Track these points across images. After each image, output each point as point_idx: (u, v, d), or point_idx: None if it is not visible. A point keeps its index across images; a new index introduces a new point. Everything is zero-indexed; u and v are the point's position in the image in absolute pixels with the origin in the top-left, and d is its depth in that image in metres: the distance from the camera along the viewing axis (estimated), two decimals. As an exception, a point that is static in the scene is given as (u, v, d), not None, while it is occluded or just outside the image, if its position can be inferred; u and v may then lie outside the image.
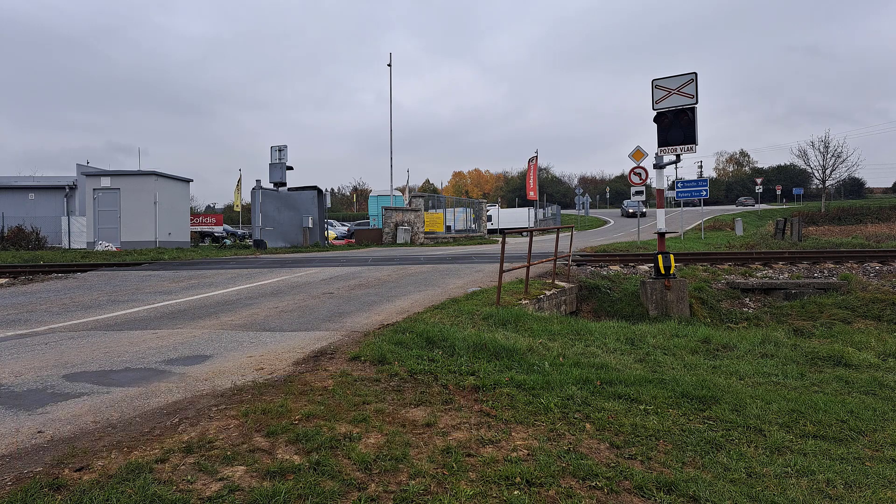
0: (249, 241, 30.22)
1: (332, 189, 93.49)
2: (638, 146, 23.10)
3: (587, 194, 63.13)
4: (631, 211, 58.06)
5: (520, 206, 59.77)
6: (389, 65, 33.11)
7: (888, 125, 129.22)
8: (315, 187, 27.96)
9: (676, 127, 10.97)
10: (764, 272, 14.11)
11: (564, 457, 3.34)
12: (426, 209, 31.98)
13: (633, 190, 24.63)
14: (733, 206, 74.81)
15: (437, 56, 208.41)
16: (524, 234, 32.14)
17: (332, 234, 34.27)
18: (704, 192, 28.75)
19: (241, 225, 48.69)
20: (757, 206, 68.14)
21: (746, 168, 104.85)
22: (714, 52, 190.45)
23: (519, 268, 10.07)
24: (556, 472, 3.13)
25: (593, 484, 3.06)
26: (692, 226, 41.09)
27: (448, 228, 34.70)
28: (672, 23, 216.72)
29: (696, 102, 10.83)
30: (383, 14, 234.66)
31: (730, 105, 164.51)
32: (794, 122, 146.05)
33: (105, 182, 24.47)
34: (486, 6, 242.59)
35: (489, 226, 44.10)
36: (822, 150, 53.81)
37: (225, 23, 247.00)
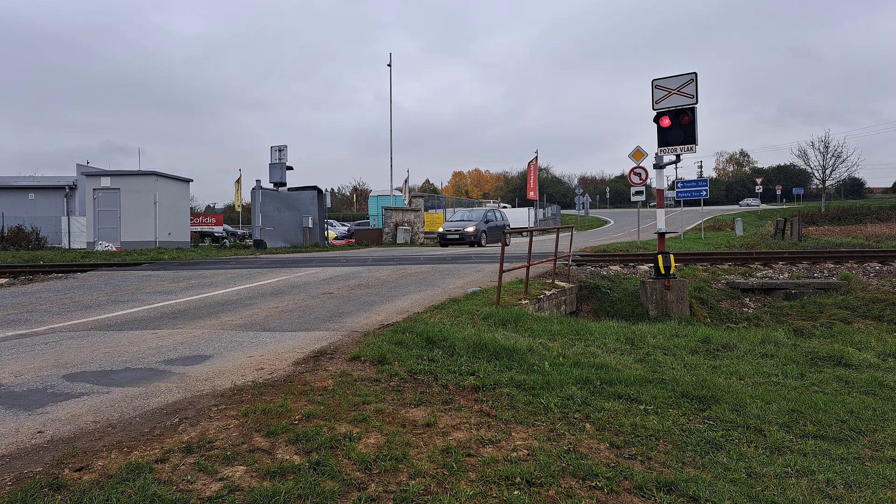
0: (249, 241, 30.23)
1: (332, 189, 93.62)
2: (638, 146, 23.11)
3: (587, 194, 63.12)
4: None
5: (520, 206, 59.75)
6: (389, 65, 33.12)
7: (883, 126, 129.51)
8: (315, 187, 27.95)
9: (676, 127, 10.96)
10: (764, 272, 14.11)
11: (564, 457, 3.34)
12: (426, 209, 32.02)
13: (633, 190, 24.63)
14: (735, 206, 74.99)
15: (436, 56, 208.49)
16: (524, 234, 32.12)
17: (332, 234, 34.28)
18: (704, 192, 28.76)
19: (241, 225, 48.71)
20: (759, 206, 68.12)
21: (746, 168, 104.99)
22: (715, 52, 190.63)
23: (519, 268, 10.07)
24: (556, 472, 3.13)
25: (593, 484, 3.06)
26: (692, 226, 41.12)
27: (448, 228, 34.61)
28: (672, 22, 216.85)
29: (696, 102, 10.83)
30: (381, 14, 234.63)
31: (729, 105, 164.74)
32: (787, 122, 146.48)
33: (105, 182, 24.47)
34: (483, 6, 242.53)
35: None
36: (822, 150, 53.88)
37: (222, 22, 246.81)
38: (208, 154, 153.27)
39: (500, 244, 24.26)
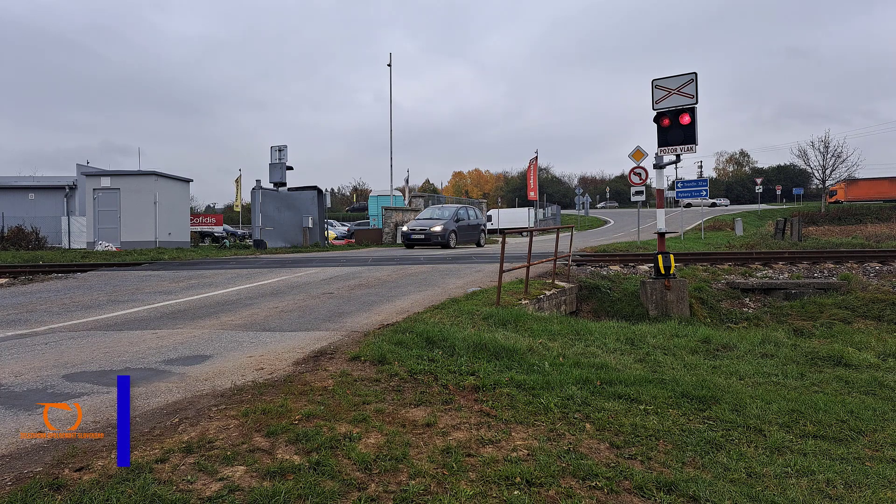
0: (249, 242, 30.23)
1: (332, 189, 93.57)
2: (638, 146, 23.10)
3: (587, 194, 63.08)
4: None
5: (520, 206, 59.75)
6: (389, 65, 33.12)
7: (882, 126, 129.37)
8: (315, 187, 27.96)
9: (676, 127, 10.96)
10: (764, 272, 14.11)
11: (564, 457, 3.34)
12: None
13: (633, 190, 24.65)
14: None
15: (436, 56, 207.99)
16: (524, 234, 32.11)
17: (332, 234, 34.27)
18: (704, 193, 28.76)
19: (241, 225, 48.71)
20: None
21: (746, 168, 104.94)
22: (714, 53, 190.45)
23: (519, 268, 10.07)
24: (556, 472, 3.13)
25: (593, 484, 3.06)
26: (692, 226, 41.10)
27: (448, 228, 34.51)
28: (671, 23, 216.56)
29: (696, 102, 10.83)
30: (380, 14, 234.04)
31: (727, 105, 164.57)
32: (785, 123, 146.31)
33: (105, 182, 24.47)
34: (483, 5, 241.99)
35: (489, 226, 44.11)
36: (822, 150, 53.77)
37: (222, 22, 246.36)
38: (208, 154, 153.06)
39: (472, 245, 24.10)
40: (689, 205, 71.84)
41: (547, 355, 5.50)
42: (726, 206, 75.11)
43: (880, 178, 57.54)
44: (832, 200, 56.80)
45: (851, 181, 53.08)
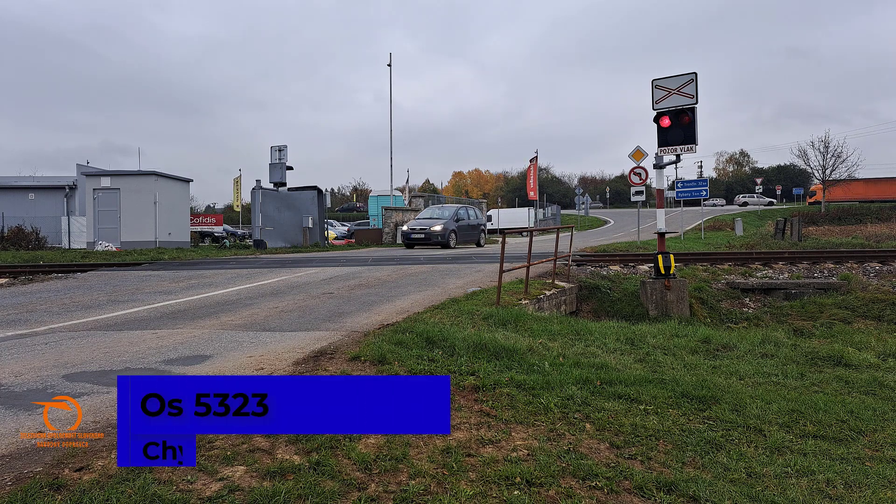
0: (249, 242, 30.22)
1: (332, 189, 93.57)
2: (638, 146, 23.11)
3: (587, 194, 63.03)
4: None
5: (520, 206, 59.74)
6: (389, 65, 33.11)
7: (882, 127, 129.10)
8: (315, 187, 27.96)
9: (676, 127, 10.97)
10: (764, 272, 14.11)
11: (564, 457, 3.34)
12: (426, 209, 31.97)
13: (633, 190, 24.66)
14: (735, 207, 73.62)
15: (436, 56, 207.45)
16: (524, 234, 32.09)
17: (332, 234, 34.27)
18: (704, 192, 28.79)
19: (241, 225, 48.72)
20: (759, 206, 67.30)
21: (746, 168, 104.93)
22: (714, 53, 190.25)
23: (519, 268, 10.07)
24: (556, 472, 3.14)
25: (593, 484, 3.06)
26: (692, 226, 41.10)
27: (448, 228, 34.48)
28: (671, 23, 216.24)
29: (697, 102, 10.83)
30: (380, 14, 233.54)
31: (727, 105, 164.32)
32: (785, 123, 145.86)
33: (105, 182, 24.47)
34: (483, 5, 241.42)
35: (489, 226, 44.13)
36: (822, 150, 53.71)
37: (222, 22, 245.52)
38: (208, 154, 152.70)
39: (472, 245, 24.24)
40: (745, 203, 70.95)
41: (547, 355, 5.50)
42: (774, 202, 73.60)
43: (857, 180, 58.42)
44: (811, 201, 57.86)
45: (831, 183, 53.61)
